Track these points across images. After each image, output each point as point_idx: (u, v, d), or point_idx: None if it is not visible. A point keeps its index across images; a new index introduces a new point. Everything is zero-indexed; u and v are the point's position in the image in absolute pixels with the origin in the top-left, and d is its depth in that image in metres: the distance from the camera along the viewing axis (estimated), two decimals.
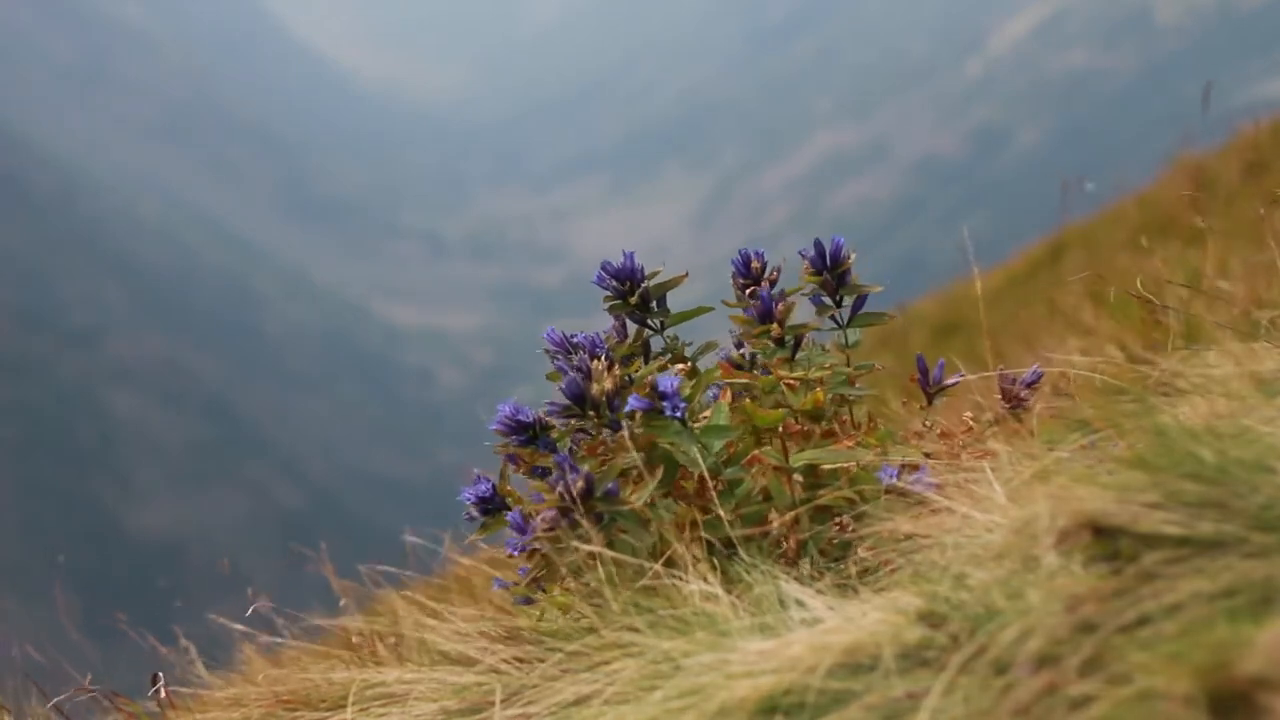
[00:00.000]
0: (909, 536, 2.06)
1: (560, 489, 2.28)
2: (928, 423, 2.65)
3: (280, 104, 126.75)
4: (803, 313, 2.67)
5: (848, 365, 2.63)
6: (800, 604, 1.96)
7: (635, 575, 2.16)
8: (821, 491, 2.45)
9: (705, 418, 2.48)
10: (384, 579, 4.01)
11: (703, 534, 2.35)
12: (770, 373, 2.59)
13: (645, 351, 2.70)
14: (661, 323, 2.68)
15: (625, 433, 2.39)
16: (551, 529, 2.29)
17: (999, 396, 2.65)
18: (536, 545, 2.36)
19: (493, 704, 2.20)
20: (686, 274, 2.70)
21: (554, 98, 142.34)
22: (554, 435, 2.54)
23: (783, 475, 2.47)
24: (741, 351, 2.69)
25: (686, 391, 2.39)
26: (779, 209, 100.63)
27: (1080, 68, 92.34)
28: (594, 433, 2.49)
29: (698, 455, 2.36)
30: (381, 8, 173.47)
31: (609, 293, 2.66)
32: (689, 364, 2.69)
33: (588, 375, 2.45)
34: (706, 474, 2.37)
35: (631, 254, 2.66)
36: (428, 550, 4.23)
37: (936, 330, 11.17)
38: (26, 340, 58.45)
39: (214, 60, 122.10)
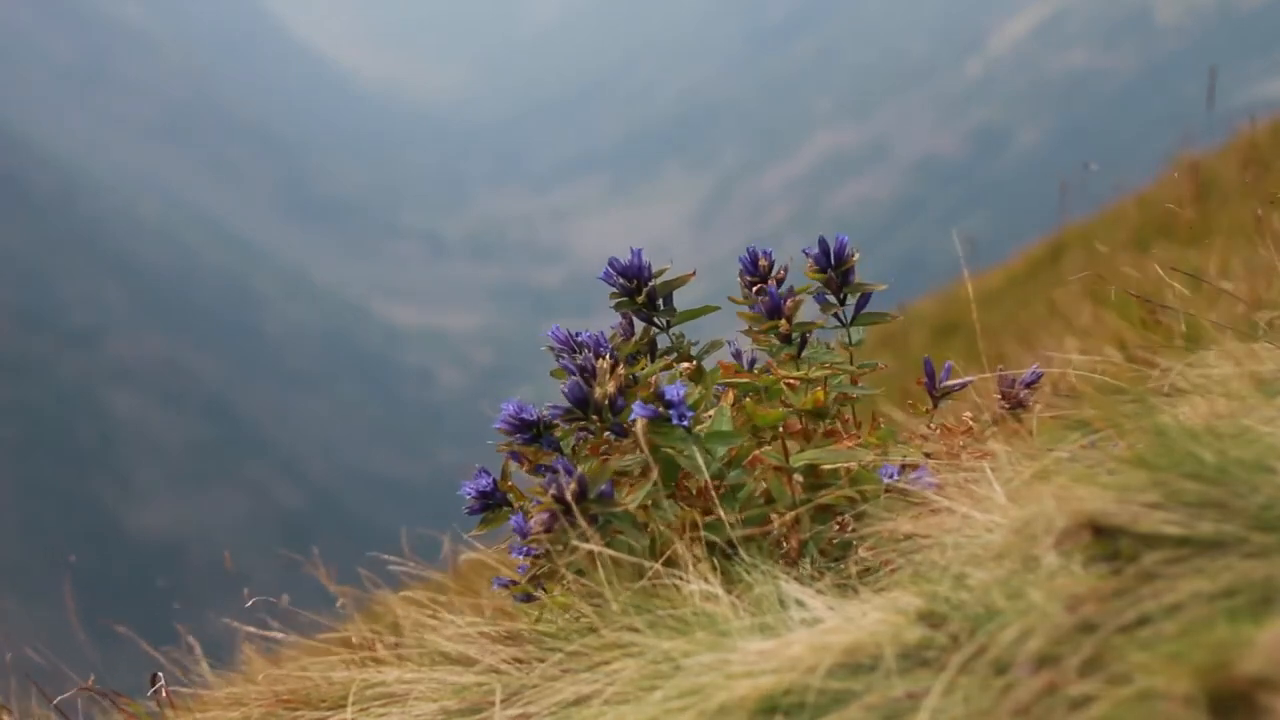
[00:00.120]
0: (909, 536, 2.06)
1: (553, 491, 2.28)
2: (932, 425, 2.65)
3: (280, 104, 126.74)
4: (807, 312, 2.67)
5: (851, 364, 2.63)
6: (800, 604, 1.96)
7: (635, 575, 2.16)
8: (822, 491, 2.45)
9: (708, 418, 2.47)
10: (384, 579, 4.01)
11: (703, 534, 2.35)
12: (771, 372, 2.59)
13: (651, 349, 2.69)
14: (668, 321, 2.68)
15: (629, 441, 2.39)
16: (547, 530, 2.29)
17: (999, 397, 2.65)
18: (535, 545, 2.36)
19: (493, 704, 2.20)
20: (694, 272, 2.69)
21: (554, 98, 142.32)
22: (558, 434, 2.54)
23: (783, 475, 2.47)
24: (743, 352, 2.68)
25: (693, 399, 2.38)
26: (779, 209, 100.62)
27: (1080, 68, 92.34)
28: (596, 432, 2.49)
29: (701, 463, 2.36)
30: (381, 8, 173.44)
31: (616, 290, 2.65)
32: (694, 363, 2.69)
33: (592, 375, 2.44)
34: (709, 480, 2.36)
35: (639, 251, 2.65)
36: (428, 550, 4.23)
37: (936, 330, 11.17)
38: (26, 340, 58.45)
39: (214, 60, 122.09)
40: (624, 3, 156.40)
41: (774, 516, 2.43)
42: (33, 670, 3.35)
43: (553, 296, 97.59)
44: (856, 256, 2.64)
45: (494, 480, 2.58)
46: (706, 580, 2.07)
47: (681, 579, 2.10)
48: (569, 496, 2.26)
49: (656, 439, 2.37)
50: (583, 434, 2.54)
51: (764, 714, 1.72)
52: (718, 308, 2.70)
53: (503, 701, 2.20)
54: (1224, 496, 1.71)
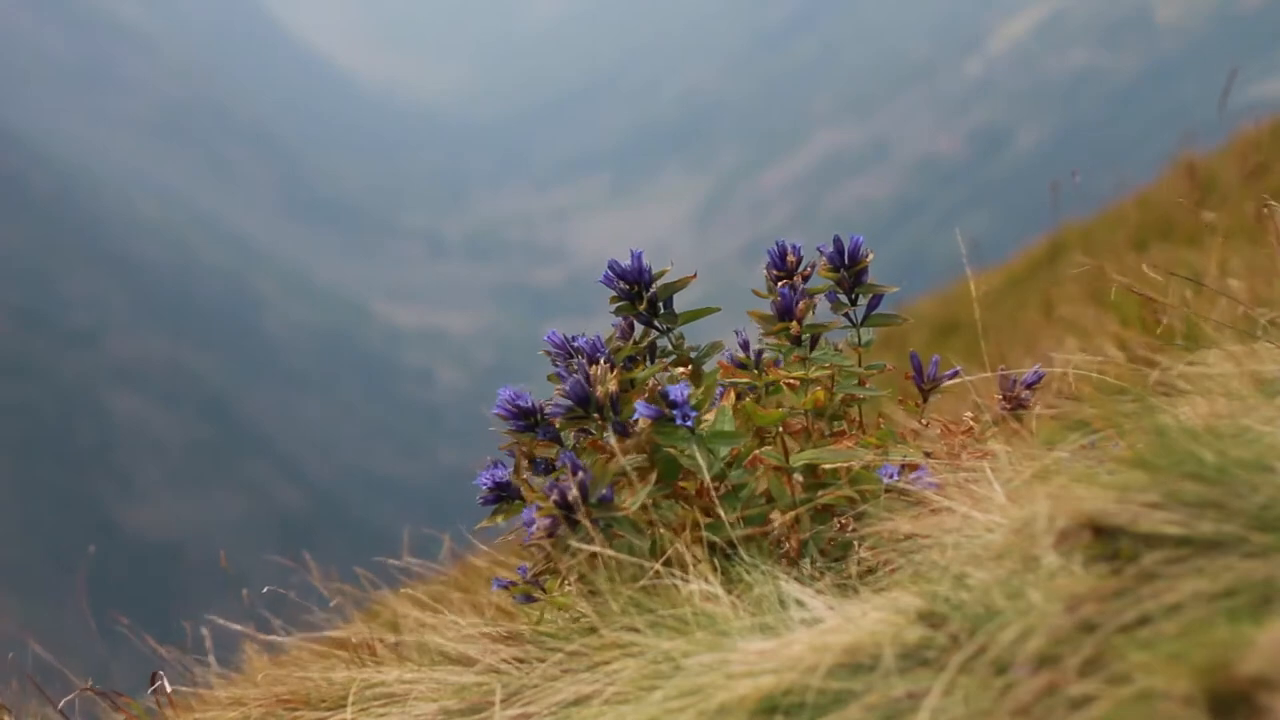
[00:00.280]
0: (909, 536, 2.06)
1: (555, 497, 2.28)
2: (924, 420, 2.65)
3: (280, 104, 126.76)
4: (822, 312, 2.66)
5: (859, 365, 2.63)
6: (800, 604, 1.96)
7: (636, 575, 2.16)
8: (822, 491, 2.45)
9: (708, 420, 2.47)
10: (384, 578, 4.01)
11: (704, 535, 2.35)
12: (769, 372, 2.59)
13: (650, 352, 2.68)
14: (667, 324, 2.67)
15: (631, 441, 2.39)
16: (549, 535, 2.29)
17: (999, 397, 2.65)
18: (539, 545, 2.36)
19: (493, 704, 2.20)
20: (695, 274, 2.69)
21: (554, 98, 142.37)
22: (557, 424, 2.53)
23: (783, 475, 2.47)
24: (746, 353, 2.68)
25: (695, 400, 2.38)
26: (779, 209, 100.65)
27: (1080, 68, 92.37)
28: (597, 431, 2.49)
29: (703, 463, 2.36)
30: (381, 8, 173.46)
31: (616, 294, 2.65)
32: (692, 366, 2.68)
33: (588, 381, 2.44)
34: (710, 480, 2.36)
35: (639, 254, 2.64)
36: (428, 550, 4.23)
37: (936, 330, 11.17)
38: (26, 340, 58.46)
39: (213, 60, 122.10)
40: (624, 2, 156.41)
41: (774, 516, 2.43)
42: (32, 670, 3.35)
43: (553, 296, 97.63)
44: (870, 257, 2.63)
45: (509, 472, 2.57)
46: (706, 580, 2.07)
47: (681, 579, 2.10)
48: (571, 500, 2.27)
49: (659, 439, 2.37)
50: (582, 432, 2.54)
51: (764, 714, 1.73)
52: (718, 309, 2.70)
53: (503, 701, 2.20)
54: (1224, 496, 1.71)
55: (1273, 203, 3.02)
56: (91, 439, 55.54)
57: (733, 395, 2.58)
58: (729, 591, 2.05)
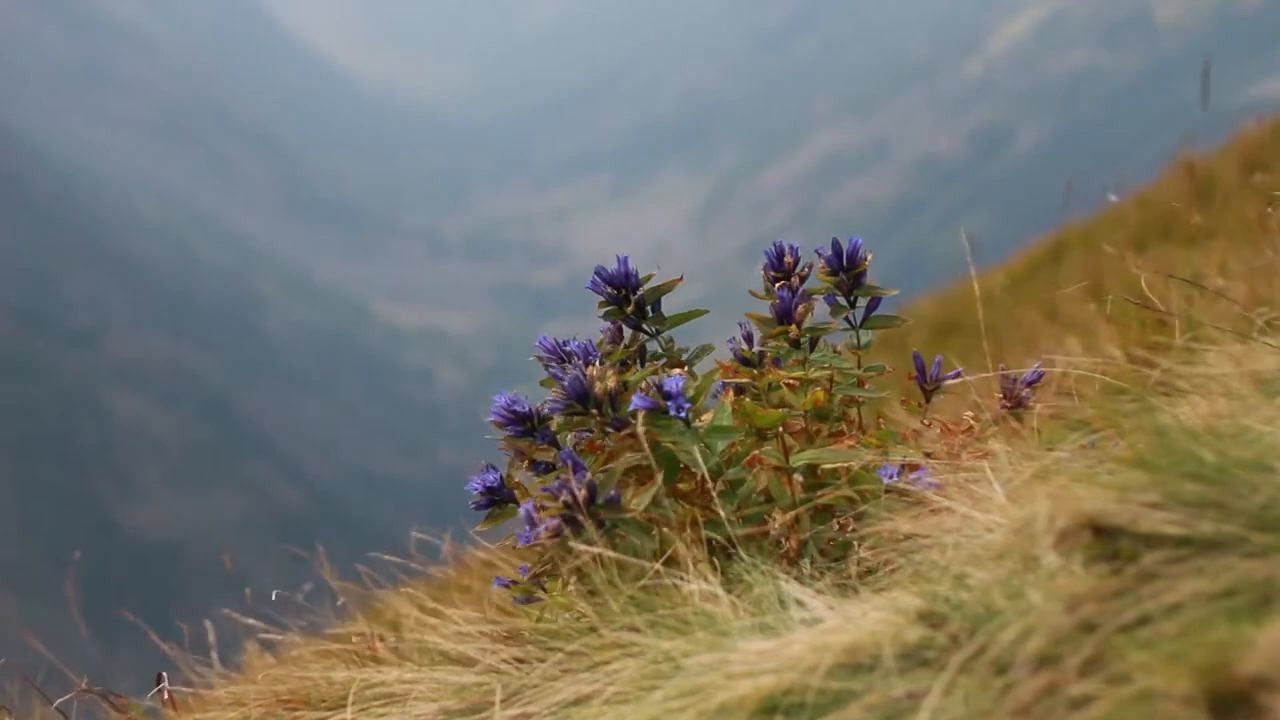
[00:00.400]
0: (909, 536, 2.06)
1: (565, 498, 2.28)
2: (926, 420, 2.65)
3: (280, 104, 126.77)
4: (820, 313, 2.66)
5: (859, 367, 2.63)
6: (800, 604, 1.96)
7: (636, 575, 2.16)
8: (822, 491, 2.45)
9: (705, 419, 2.47)
10: (384, 578, 4.01)
11: (704, 534, 2.35)
12: (769, 372, 2.59)
13: (641, 356, 2.69)
14: (657, 328, 2.68)
15: (627, 432, 2.39)
16: (555, 535, 2.29)
17: (999, 396, 2.65)
18: (540, 547, 2.36)
19: (493, 704, 2.20)
20: (681, 277, 2.69)
21: (554, 98, 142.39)
22: (553, 427, 2.54)
23: (783, 475, 2.47)
24: (746, 350, 2.68)
25: (691, 392, 2.39)
26: (779, 209, 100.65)
27: (1080, 68, 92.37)
28: (594, 431, 2.49)
29: (699, 456, 2.36)
30: (381, 8, 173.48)
31: (603, 299, 2.66)
32: (685, 367, 2.69)
33: (587, 379, 2.45)
34: (708, 475, 2.37)
35: (625, 259, 2.65)
36: (428, 549, 4.23)
37: (936, 330, 11.17)
38: (26, 340, 58.46)
39: (213, 60, 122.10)
40: (624, 2, 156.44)
41: (774, 515, 2.43)
42: (33, 670, 3.35)
43: (553, 296, 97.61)
44: (869, 259, 2.63)
45: (501, 476, 2.58)
46: (706, 580, 2.07)
47: (682, 579, 2.10)
48: (580, 500, 2.27)
49: (656, 432, 2.38)
50: (581, 433, 2.54)
51: (764, 714, 1.73)
52: (707, 311, 2.70)
53: (503, 701, 2.20)
54: (1224, 496, 1.71)
55: (1272, 208, 3.02)
56: (91, 439, 55.55)
57: (731, 394, 2.58)
58: (729, 591, 2.05)
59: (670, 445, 2.41)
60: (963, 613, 1.71)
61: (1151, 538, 1.71)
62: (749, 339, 2.63)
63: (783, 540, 2.42)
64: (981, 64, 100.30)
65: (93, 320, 64.33)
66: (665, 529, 2.33)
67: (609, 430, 2.44)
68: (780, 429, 2.52)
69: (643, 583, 2.12)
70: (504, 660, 2.39)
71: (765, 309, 2.62)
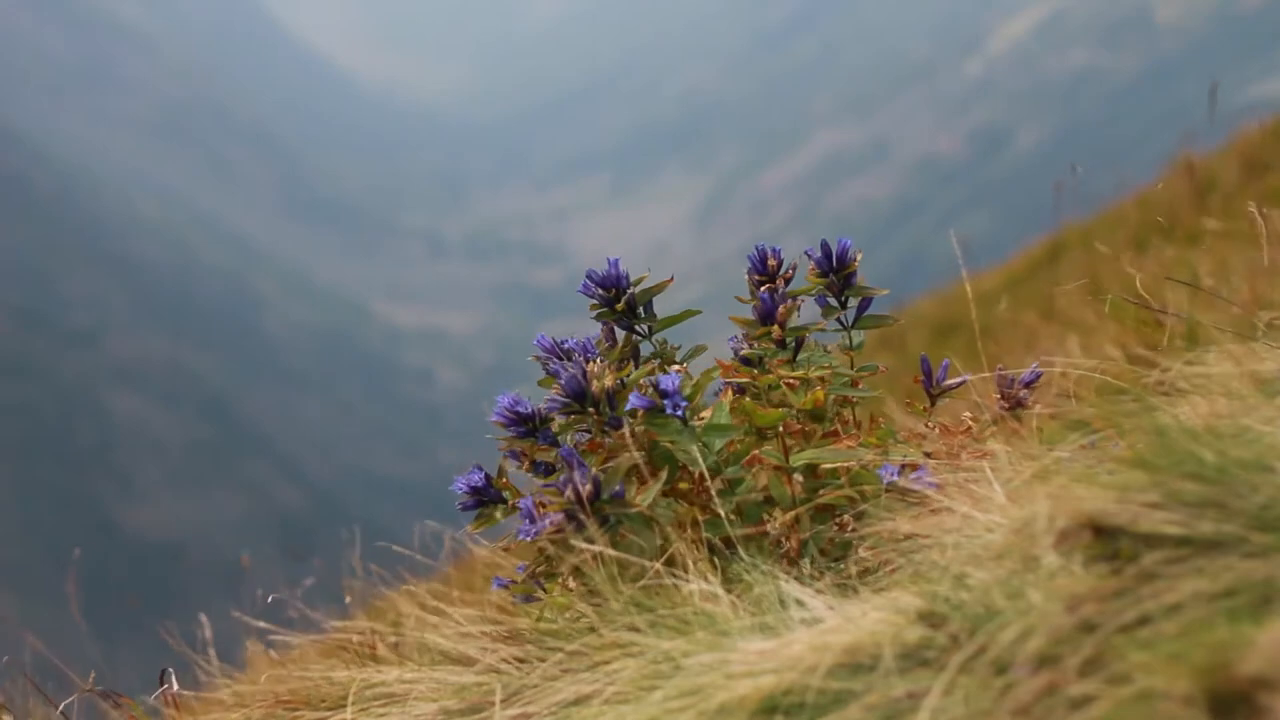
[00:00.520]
0: (909, 536, 2.06)
1: (569, 493, 2.28)
2: (930, 424, 2.65)
3: (280, 104, 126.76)
4: (811, 314, 2.67)
5: (851, 367, 2.63)
6: (800, 604, 1.96)
7: (636, 575, 2.16)
8: (822, 491, 2.45)
9: (704, 418, 2.48)
10: (384, 578, 4.02)
11: (704, 534, 2.35)
12: (770, 371, 2.59)
13: (634, 357, 2.70)
14: (649, 328, 2.69)
15: (626, 431, 2.39)
16: (559, 531, 2.29)
17: (998, 396, 2.65)
18: (543, 544, 2.36)
19: (493, 704, 2.20)
20: (672, 278, 2.70)
21: (554, 97, 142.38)
22: (554, 428, 2.54)
23: (783, 475, 2.47)
24: (747, 349, 2.68)
25: (688, 390, 2.39)
26: (779, 209, 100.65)
27: (1080, 67, 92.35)
28: (593, 430, 2.49)
29: (698, 454, 2.36)
30: (381, 8, 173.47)
31: (595, 300, 2.67)
32: (679, 367, 2.69)
33: (585, 377, 2.45)
34: (706, 473, 2.37)
35: (616, 261, 2.66)
36: (428, 550, 4.23)
37: (936, 330, 11.17)
38: (26, 340, 58.46)
39: (213, 60, 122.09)
40: (624, 2, 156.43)
41: (774, 515, 2.43)
42: (33, 670, 3.35)
43: (552, 296, 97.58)
44: (858, 259, 2.64)
45: (487, 476, 2.58)
46: (706, 580, 2.07)
47: (682, 578, 2.10)
48: (585, 495, 2.27)
49: (653, 430, 2.38)
50: (581, 434, 2.55)
51: (764, 714, 1.73)
52: (699, 311, 2.71)
53: (503, 701, 2.20)
54: (1224, 496, 1.71)
55: (1261, 210, 3.02)
56: (91, 439, 55.54)
57: (731, 393, 2.58)
58: (729, 591, 2.05)
59: (668, 444, 2.41)
60: (963, 613, 1.71)
61: (1151, 538, 1.71)
62: (750, 344, 2.64)
63: (783, 540, 2.42)
64: (981, 64, 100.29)
65: (93, 320, 64.33)
66: (668, 529, 2.33)
67: (607, 429, 2.44)
68: (780, 428, 2.52)
69: (643, 582, 2.13)
70: (504, 660, 2.39)
71: (749, 312, 2.64)
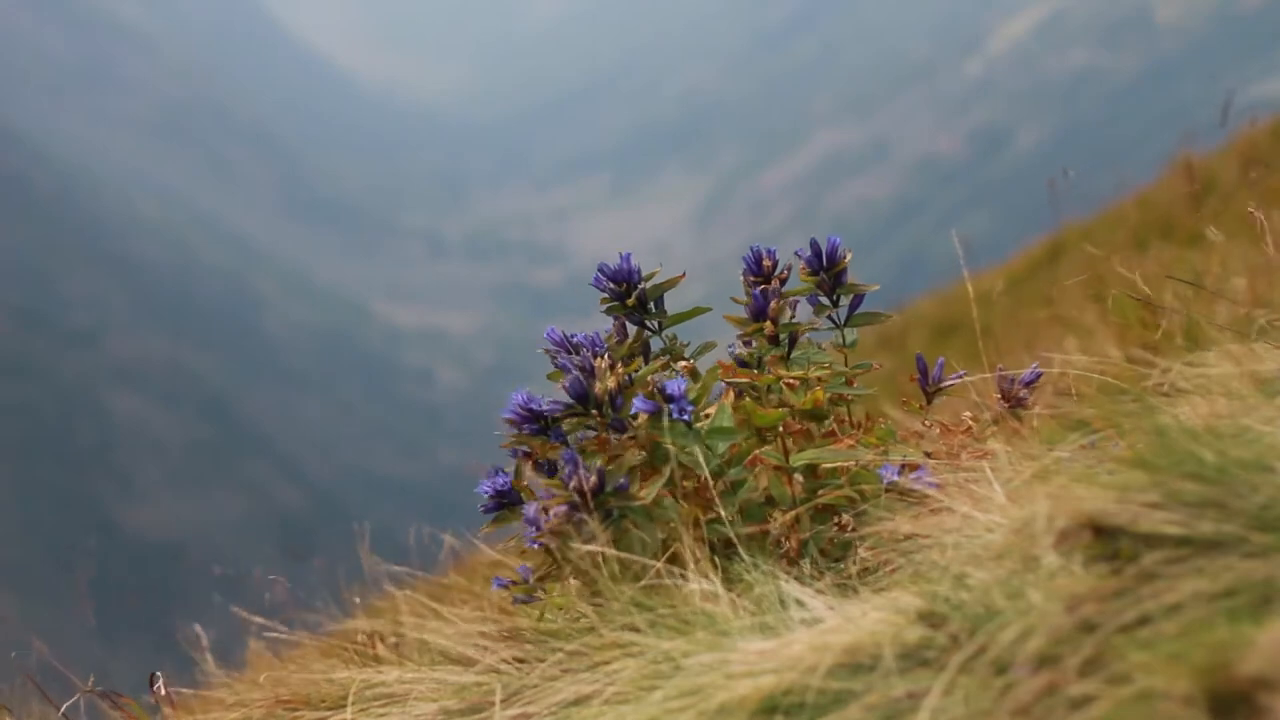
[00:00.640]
0: (909, 536, 2.06)
1: (574, 485, 2.28)
2: (927, 422, 2.65)
3: (280, 104, 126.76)
4: (808, 315, 2.67)
5: (845, 365, 2.63)
6: (800, 604, 1.96)
7: (637, 574, 2.16)
8: (822, 491, 2.45)
9: (707, 416, 2.48)
10: (385, 579, 4.01)
11: (705, 534, 2.35)
12: (769, 372, 2.59)
13: (644, 352, 2.70)
14: (659, 323, 2.69)
15: (629, 435, 2.39)
16: (565, 522, 2.29)
17: (998, 396, 2.65)
18: (545, 541, 2.36)
19: (493, 704, 2.20)
20: (684, 274, 2.70)
21: (554, 97, 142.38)
22: (565, 427, 2.54)
23: (783, 475, 2.47)
24: (748, 350, 2.69)
25: (693, 395, 2.39)
26: (779, 209, 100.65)
27: (1080, 68, 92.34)
28: (598, 430, 2.49)
29: (701, 458, 2.36)
30: (381, 8, 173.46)
31: (606, 294, 2.67)
32: (688, 364, 2.69)
33: (591, 373, 2.45)
34: (709, 476, 2.37)
35: (628, 255, 2.67)
36: (428, 550, 4.23)
37: (936, 330, 11.17)
38: (26, 340, 58.45)
39: (213, 60, 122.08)
40: (624, 2, 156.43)
41: (775, 515, 2.43)
42: (33, 670, 3.35)
43: (553, 296, 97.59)
44: (848, 257, 2.64)
45: (509, 479, 2.58)
46: (707, 579, 2.07)
47: (682, 578, 2.10)
48: (589, 489, 2.27)
49: (657, 434, 2.38)
50: (586, 433, 2.55)
51: (764, 714, 1.73)
52: (709, 309, 2.71)
53: (503, 701, 2.20)
54: (1224, 496, 1.71)
55: (1258, 210, 3.02)
56: (91, 439, 55.53)
57: (732, 394, 2.58)
58: (729, 591, 2.05)
59: (672, 448, 2.41)
60: (963, 613, 1.71)
61: (1151, 538, 1.71)
62: (747, 344, 2.64)
63: (783, 540, 2.42)
64: (981, 64, 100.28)
65: (93, 320, 64.32)
66: (672, 526, 2.33)
67: (610, 430, 2.44)
68: (780, 429, 2.52)
69: (644, 582, 2.13)
70: (504, 660, 2.39)
71: (744, 312, 2.64)
